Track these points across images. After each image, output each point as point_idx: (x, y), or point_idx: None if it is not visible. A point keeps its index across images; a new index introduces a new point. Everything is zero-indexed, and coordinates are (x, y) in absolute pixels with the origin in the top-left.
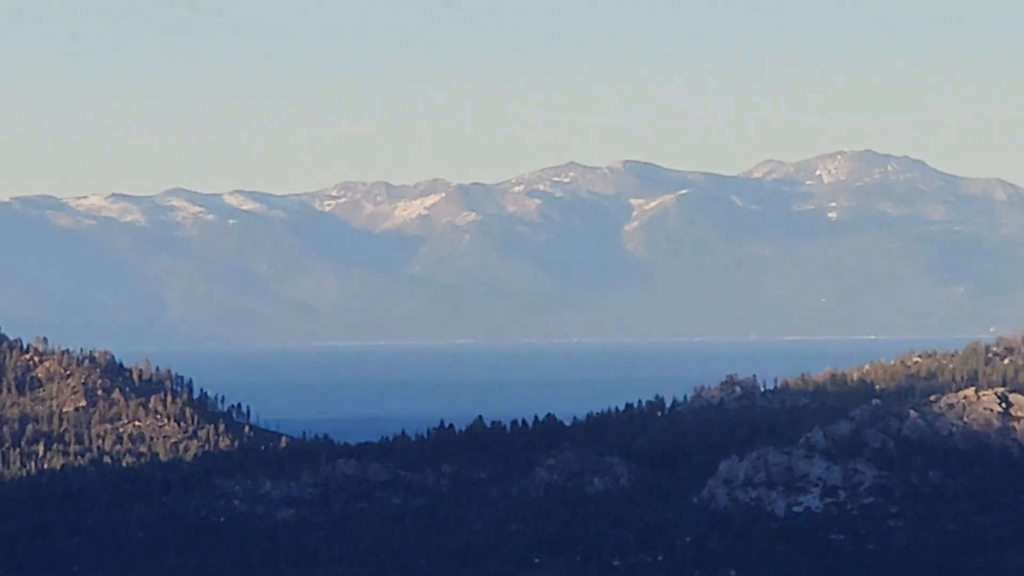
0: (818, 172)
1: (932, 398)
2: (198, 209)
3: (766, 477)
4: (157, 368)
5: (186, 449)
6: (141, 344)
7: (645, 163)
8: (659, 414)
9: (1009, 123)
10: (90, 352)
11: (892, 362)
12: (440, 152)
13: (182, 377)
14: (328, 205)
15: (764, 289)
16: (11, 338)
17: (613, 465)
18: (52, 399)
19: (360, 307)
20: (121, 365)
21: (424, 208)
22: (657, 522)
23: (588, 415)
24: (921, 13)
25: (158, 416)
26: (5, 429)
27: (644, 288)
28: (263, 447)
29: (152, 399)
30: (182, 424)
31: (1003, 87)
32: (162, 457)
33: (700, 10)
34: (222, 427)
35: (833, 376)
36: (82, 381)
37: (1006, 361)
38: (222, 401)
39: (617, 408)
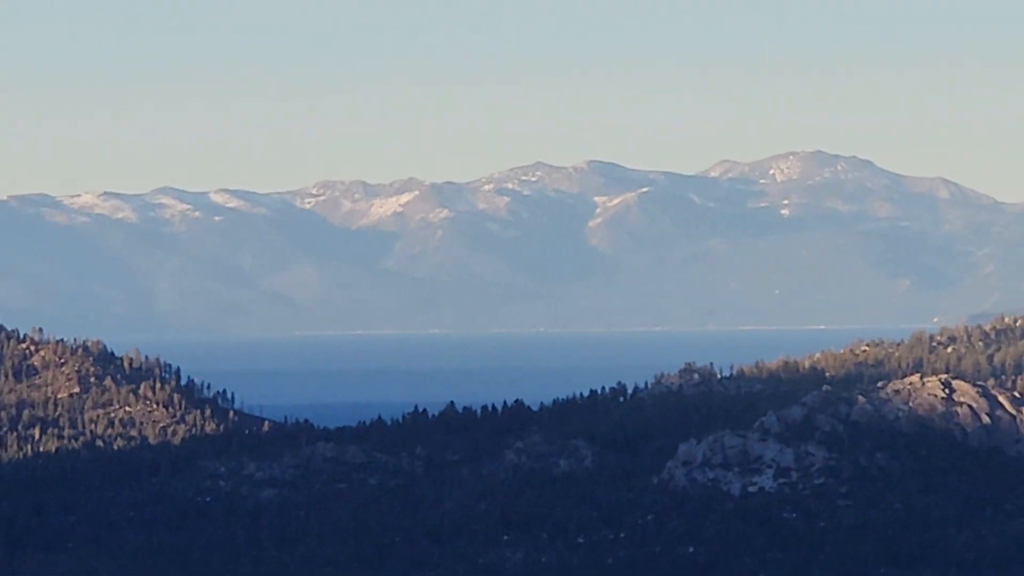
0: (771, 171)
1: (879, 384)
2: (186, 207)
3: (723, 459)
4: (147, 357)
5: (174, 433)
6: (132, 334)
7: (608, 163)
8: (621, 400)
9: (952, 124)
10: (83, 341)
11: (841, 350)
12: (414, 153)
13: (170, 365)
14: (308, 203)
15: (721, 282)
16: (9, 328)
17: (578, 448)
18: (47, 386)
19: (339, 299)
20: (113, 354)
21: (399, 206)
22: (620, 502)
23: (554, 401)
24: (869, 22)
25: (148, 402)
26: (3, 414)
27: (607, 281)
28: (247, 431)
29: (142, 386)
30: (170, 409)
31: (946, 90)
32: (151, 440)
33: (660, 21)
34: (208, 412)
35: (786, 364)
36: (76, 369)
37: (949, 350)
38: (208, 388)
39: (582, 394)
